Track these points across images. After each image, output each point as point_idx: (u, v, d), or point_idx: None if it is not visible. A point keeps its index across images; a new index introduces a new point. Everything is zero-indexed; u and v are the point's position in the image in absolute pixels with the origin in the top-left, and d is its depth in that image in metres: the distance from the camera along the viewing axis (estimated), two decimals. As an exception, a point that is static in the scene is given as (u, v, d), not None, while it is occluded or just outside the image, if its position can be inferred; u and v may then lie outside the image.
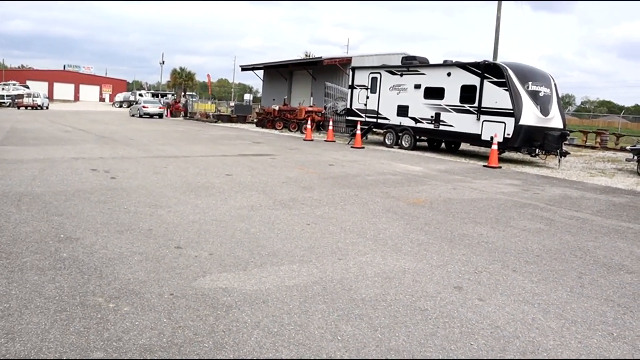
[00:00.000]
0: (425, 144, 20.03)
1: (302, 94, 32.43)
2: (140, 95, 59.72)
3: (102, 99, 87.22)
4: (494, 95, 15.55)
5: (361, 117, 20.62)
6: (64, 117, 30.89)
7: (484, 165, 14.48)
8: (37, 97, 42.37)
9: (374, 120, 20.17)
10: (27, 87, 53.47)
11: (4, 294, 3.73)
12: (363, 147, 18.32)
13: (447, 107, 17.11)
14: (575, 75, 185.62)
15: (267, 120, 28.24)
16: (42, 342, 3.07)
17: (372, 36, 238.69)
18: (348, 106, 21.68)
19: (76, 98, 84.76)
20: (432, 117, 17.62)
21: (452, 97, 16.90)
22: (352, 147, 18.44)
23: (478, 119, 15.97)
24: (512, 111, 14.95)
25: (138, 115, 35.40)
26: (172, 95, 51.54)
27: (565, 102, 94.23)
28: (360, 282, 4.37)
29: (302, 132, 24.24)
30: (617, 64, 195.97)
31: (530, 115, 15.04)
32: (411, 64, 18.93)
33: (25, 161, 10.58)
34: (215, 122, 33.69)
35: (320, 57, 28.92)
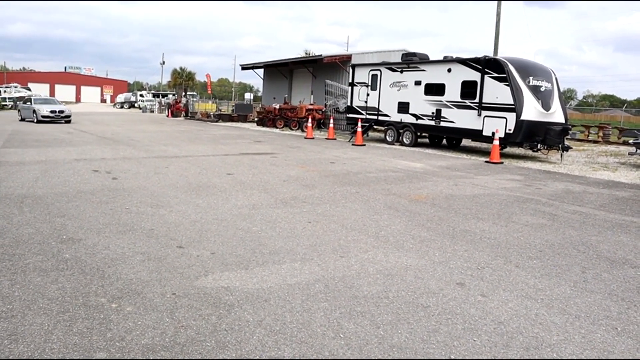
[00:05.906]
0: (427, 140, 20.01)
1: (302, 92, 32.38)
2: (141, 95, 59.81)
3: (103, 100, 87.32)
4: (494, 91, 15.51)
5: (362, 114, 20.60)
6: (65, 118, 30.86)
7: (486, 161, 14.45)
8: (39, 99, 42.34)
9: (375, 117, 20.15)
10: (29, 90, 53.55)
11: (7, 295, 3.74)
12: (364, 145, 18.31)
13: (448, 103, 17.08)
14: (574, 70, 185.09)
15: (267, 119, 28.22)
16: (45, 343, 3.07)
17: (369, 33, 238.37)
18: (349, 104, 21.66)
19: (77, 99, 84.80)
20: (433, 113, 17.59)
21: (453, 93, 16.87)
22: (353, 144, 18.43)
23: (479, 115, 15.94)
24: (513, 106, 14.91)
25: (36, 120, 25.89)
26: (173, 95, 51.51)
27: (566, 97, 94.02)
28: (362, 280, 4.37)
29: (303, 131, 24.22)
30: (614, 57, 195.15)
31: (532, 110, 15.00)
32: (411, 61, 18.89)
33: (27, 163, 10.59)
34: (216, 121, 33.68)
35: (320, 55, 28.81)
